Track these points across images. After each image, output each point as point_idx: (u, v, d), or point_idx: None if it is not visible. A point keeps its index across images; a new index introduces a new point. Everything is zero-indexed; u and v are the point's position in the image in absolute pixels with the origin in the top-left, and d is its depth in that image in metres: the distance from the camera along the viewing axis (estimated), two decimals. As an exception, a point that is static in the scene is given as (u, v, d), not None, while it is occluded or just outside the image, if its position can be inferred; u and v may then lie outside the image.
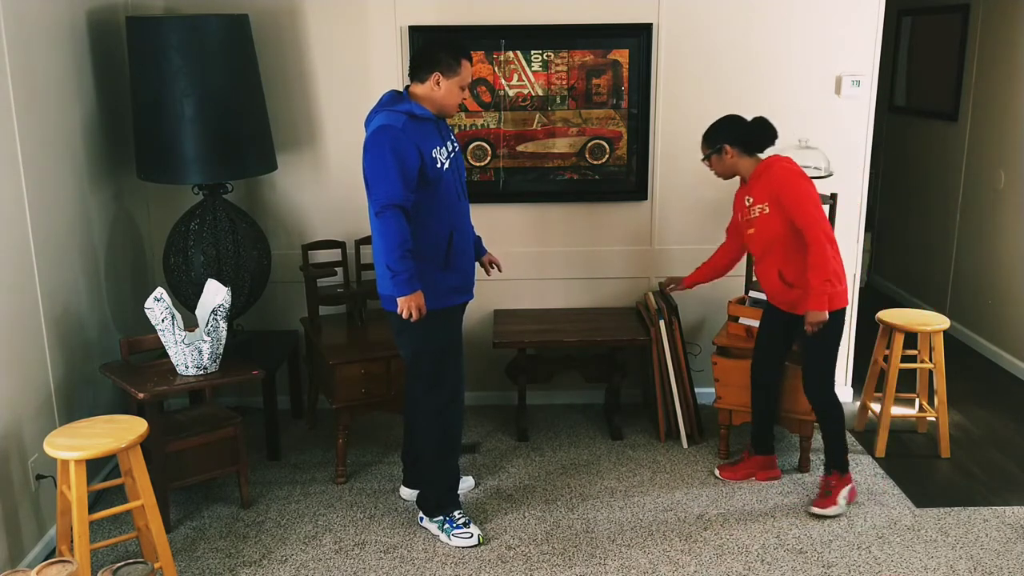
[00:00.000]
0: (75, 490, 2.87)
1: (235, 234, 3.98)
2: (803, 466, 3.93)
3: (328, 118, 4.35)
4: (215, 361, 3.58)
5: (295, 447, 4.25)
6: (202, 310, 3.60)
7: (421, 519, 3.53)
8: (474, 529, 3.43)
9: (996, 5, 5.21)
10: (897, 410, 4.31)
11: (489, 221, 4.36)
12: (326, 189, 4.42)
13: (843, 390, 4.70)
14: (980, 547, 3.37)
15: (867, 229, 4.83)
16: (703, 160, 3.60)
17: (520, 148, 4.40)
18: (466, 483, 3.81)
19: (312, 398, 4.44)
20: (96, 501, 3.68)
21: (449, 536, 3.41)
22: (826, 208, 4.13)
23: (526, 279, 4.55)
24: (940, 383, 4.06)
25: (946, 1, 5.71)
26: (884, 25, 4.36)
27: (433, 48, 3.21)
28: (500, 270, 3.71)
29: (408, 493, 3.74)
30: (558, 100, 4.34)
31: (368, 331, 4.12)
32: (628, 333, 4.20)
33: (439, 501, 3.47)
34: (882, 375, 4.18)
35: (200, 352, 3.52)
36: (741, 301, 4.08)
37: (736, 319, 4.02)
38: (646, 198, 4.48)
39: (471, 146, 4.39)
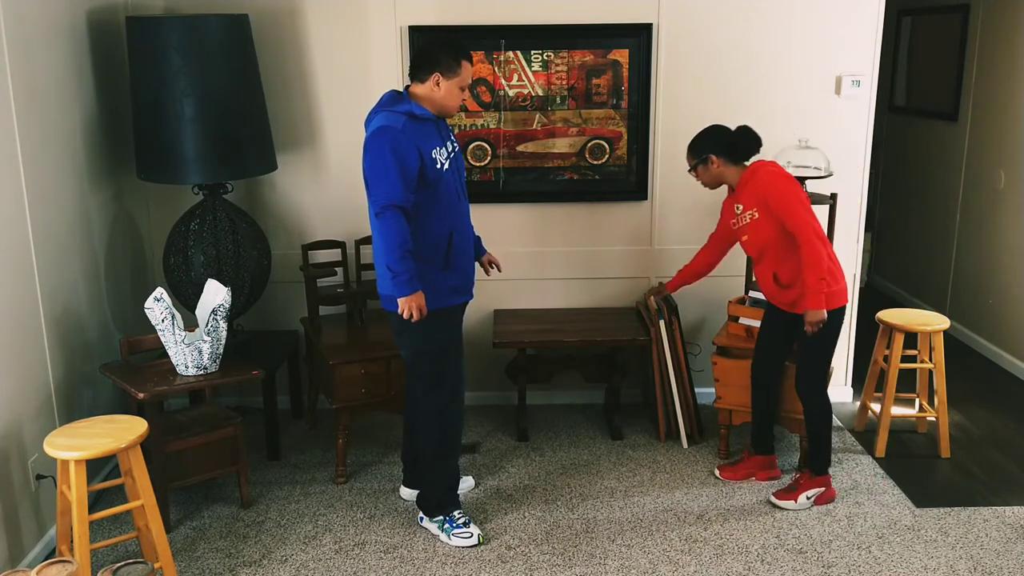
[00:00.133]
0: (75, 490, 2.87)
1: (235, 234, 3.98)
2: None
3: (328, 118, 4.35)
4: (215, 361, 3.58)
5: (295, 447, 4.25)
6: (202, 310, 3.60)
7: (421, 519, 3.53)
8: (474, 529, 3.43)
9: (996, 5, 5.21)
10: (897, 410, 4.31)
11: (489, 221, 4.36)
12: (326, 189, 4.42)
13: (843, 390, 4.70)
14: (980, 547, 3.37)
15: (867, 229, 4.83)
16: (689, 171, 3.63)
17: (520, 148, 4.40)
18: (466, 483, 3.81)
19: (312, 398, 4.44)
20: (96, 501, 3.69)
21: (449, 536, 3.41)
22: (826, 208, 4.15)
23: (526, 279, 4.55)
24: (940, 383, 4.06)
25: (946, 1, 5.71)
26: (884, 25, 4.37)
27: (433, 48, 3.21)
28: (500, 270, 3.71)
29: (408, 493, 3.74)
30: (558, 100, 4.34)
31: (368, 331, 4.12)
32: (628, 333, 4.21)
33: (439, 501, 3.47)
34: (882, 375, 4.18)
35: (200, 352, 3.52)
36: (741, 301, 4.08)
37: (736, 319, 4.02)
38: (646, 198, 4.48)
39: (471, 146, 4.39)
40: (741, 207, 3.55)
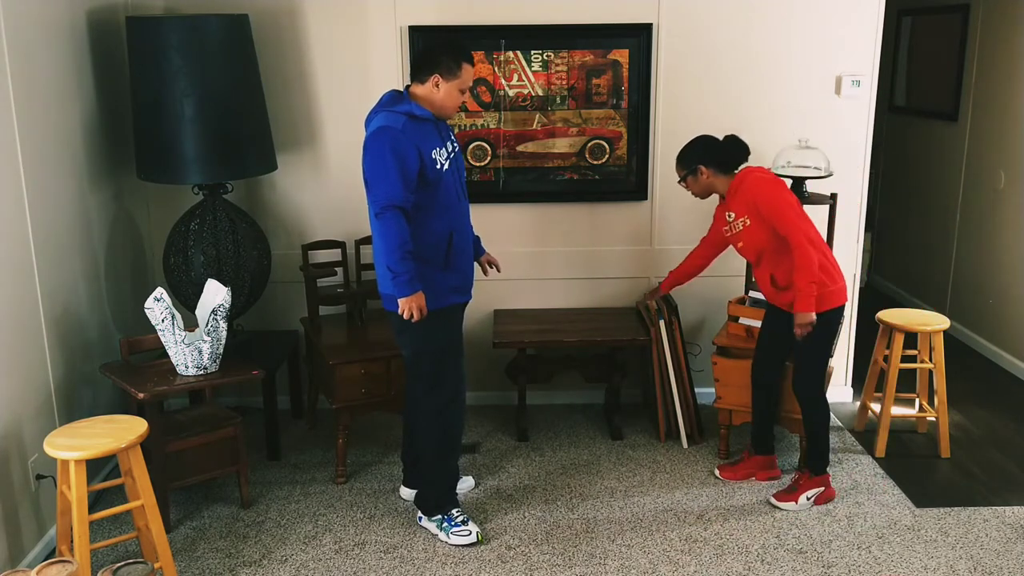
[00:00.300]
0: (75, 490, 2.87)
1: (235, 234, 3.98)
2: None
3: (328, 118, 4.35)
4: (215, 361, 3.58)
5: (295, 447, 4.25)
6: (202, 310, 3.60)
7: (420, 519, 3.53)
8: (473, 527, 3.43)
9: (996, 5, 5.21)
10: (897, 410, 4.31)
11: (489, 221, 4.36)
12: (326, 189, 4.42)
13: (843, 390, 4.70)
14: (980, 547, 3.37)
15: (867, 229, 4.83)
16: (679, 182, 3.64)
17: (520, 148, 4.40)
18: (466, 483, 3.81)
19: (312, 398, 4.44)
20: (96, 501, 3.69)
21: (448, 534, 3.41)
22: (826, 208, 4.15)
23: (526, 279, 4.55)
24: (940, 383, 4.06)
25: (946, 1, 5.71)
26: (884, 25, 4.36)
27: (434, 50, 3.21)
28: (499, 270, 3.72)
29: (408, 493, 3.73)
30: (558, 100, 4.34)
31: (368, 331, 4.12)
32: (628, 333, 4.21)
33: (438, 500, 3.47)
34: (882, 375, 4.18)
35: (200, 352, 3.52)
36: (741, 301, 4.08)
37: (736, 319, 4.02)
38: (646, 198, 4.48)
39: (471, 146, 4.39)
40: (733, 215, 3.57)
